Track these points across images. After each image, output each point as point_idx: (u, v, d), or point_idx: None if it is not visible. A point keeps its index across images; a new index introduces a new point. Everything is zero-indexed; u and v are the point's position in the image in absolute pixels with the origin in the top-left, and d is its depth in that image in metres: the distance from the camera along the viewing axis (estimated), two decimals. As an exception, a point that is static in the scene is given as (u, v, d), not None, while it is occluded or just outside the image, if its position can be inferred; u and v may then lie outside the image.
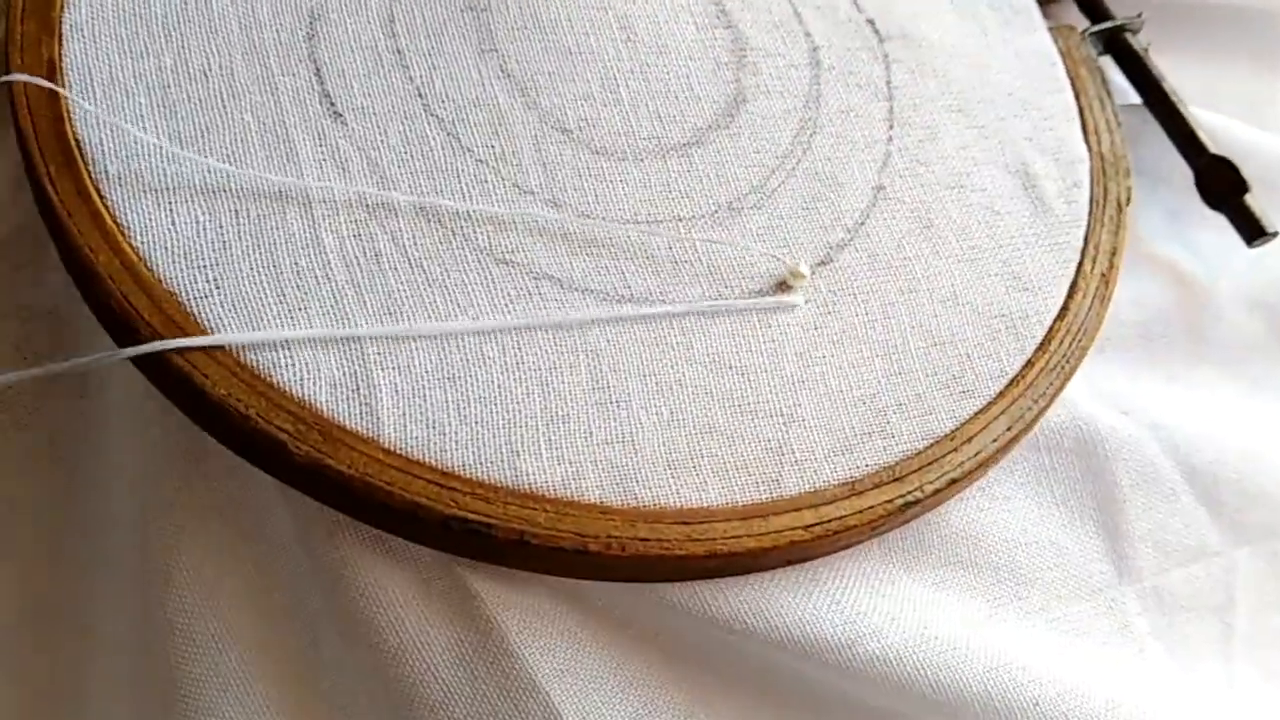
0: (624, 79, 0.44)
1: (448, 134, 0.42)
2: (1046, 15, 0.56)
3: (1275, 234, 0.51)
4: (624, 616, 0.40)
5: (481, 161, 0.42)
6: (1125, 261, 0.51)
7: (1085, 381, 0.47)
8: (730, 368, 0.41)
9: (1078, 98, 0.51)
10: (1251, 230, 0.51)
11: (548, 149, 0.42)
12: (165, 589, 0.39)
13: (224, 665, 0.40)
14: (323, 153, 0.40)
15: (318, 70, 0.42)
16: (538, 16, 0.45)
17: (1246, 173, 0.52)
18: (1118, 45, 0.56)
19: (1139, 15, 0.56)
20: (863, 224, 0.45)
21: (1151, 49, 0.56)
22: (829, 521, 0.39)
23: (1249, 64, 0.62)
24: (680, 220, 0.43)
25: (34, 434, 0.44)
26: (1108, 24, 0.56)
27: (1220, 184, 0.52)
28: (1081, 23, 0.56)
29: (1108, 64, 0.56)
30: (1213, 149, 0.53)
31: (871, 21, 0.49)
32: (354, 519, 0.38)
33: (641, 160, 0.43)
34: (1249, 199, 0.51)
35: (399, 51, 0.43)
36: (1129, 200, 0.49)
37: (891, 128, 0.47)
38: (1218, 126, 0.55)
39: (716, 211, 0.43)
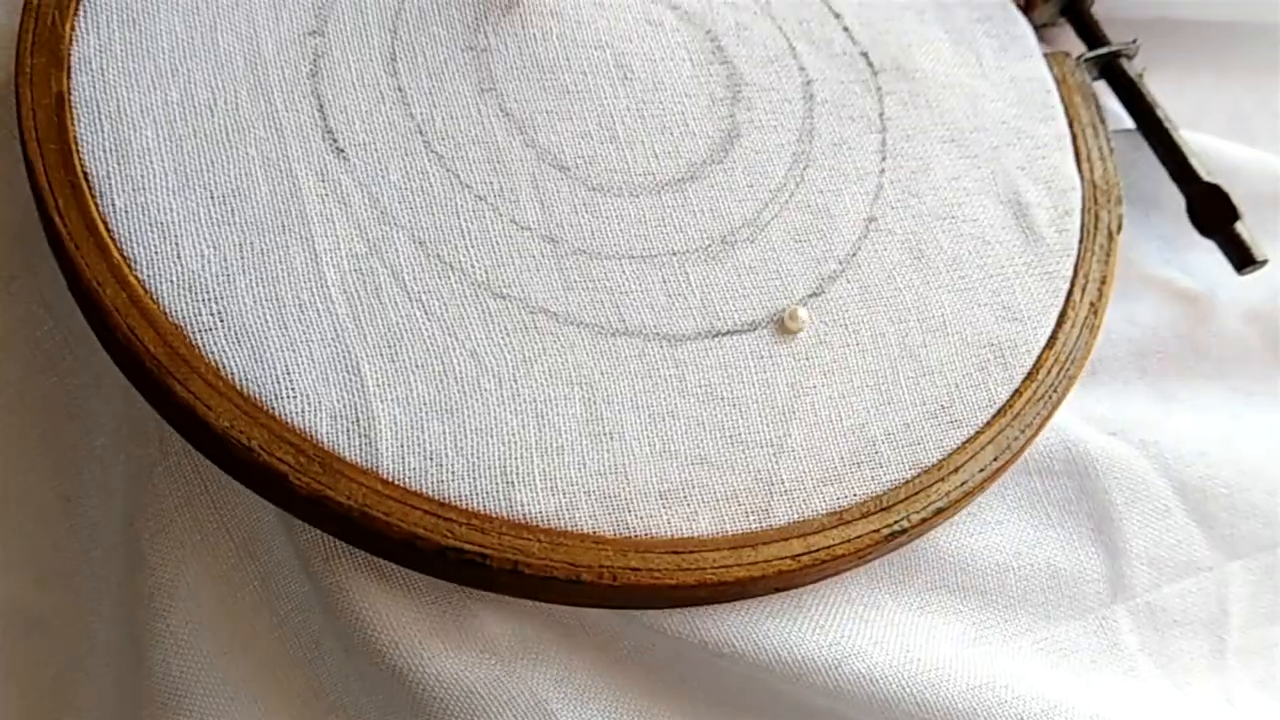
0: (620, 116, 0.45)
1: (447, 170, 0.43)
2: (1043, 39, 0.57)
3: (1265, 262, 0.51)
4: (614, 633, 0.41)
5: (480, 198, 0.42)
6: (1121, 284, 0.52)
7: (1076, 404, 0.47)
8: (722, 399, 0.41)
9: (1071, 125, 0.52)
10: (1242, 258, 0.52)
11: (545, 185, 0.43)
12: (170, 601, 0.40)
13: (233, 676, 0.41)
14: (325, 188, 0.41)
15: (321, 106, 0.43)
16: (536, 57, 0.45)
17: (1238, 193, 0.53)
18: (1113, 71, 0.56)
19: (1134, 41, 0.56)
20: (854, 255, 0.45)
21: (1146, 63, 0.57)
22: (816, 551, 0.40)
23: (1240, 77, 0.62)
24: (675, 254, 0.43)
25: (34, 444, 0.44)
26: (1103, 50, 0.56)
27: (1211, 212, 0.53)
28: (1077, 47, 0.57)
29: (1103, 89, 0.57)
30: (1205, 176, 0.53)
31: (865, 54, 0.50)
32: (353, 546, 0.39)
33: (637, 196, 0.44)
34: (1239, 226, 0.52)
35: (400, 89, 0.44)
36: (1120, 228, 0.50)
37: (884, 159, 0.48)
38: (1210, 148, 0.56)
39: (710, 245, 0.44)
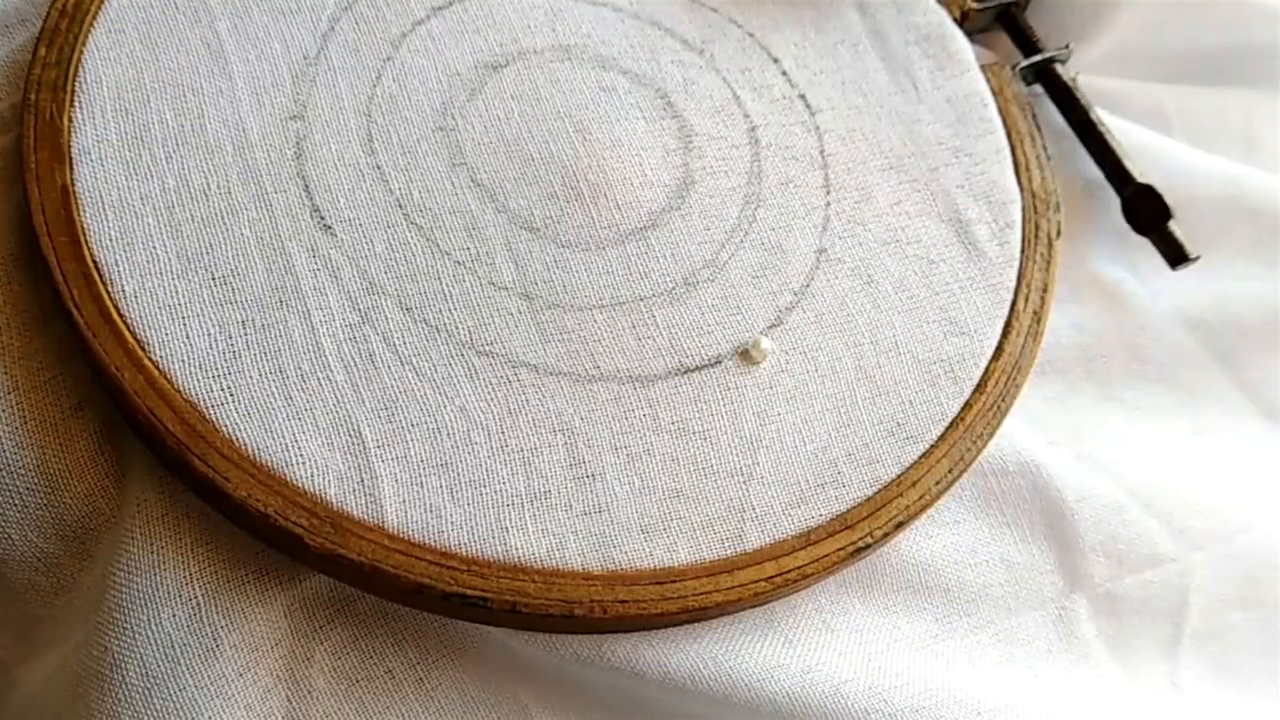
0: (583, 175, 0.48)
1: (427, 240, 0.46)
2: (984, 44, 0.60)
3: (1197, 258, 0.55)
4: (588, 657, 0.44)
5: (459, 263, 0.46)
6: (1067, 285, 0.55)
7: (1023, 413, 0.51)
8: (694, 433, 0.45)
9: (1009, 136, 0.55)
10: (1175, 256, 0.55)
11: (518, 247, 0.47)
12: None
13: None
14: (316, 263, 0.45)
15: (307, 186, 0.46)
16: (501, 132, 0.49)
17: (1176, 196, 0.56)
18: (1048, 77, 0.59)
19: (1066, 46, 0.59)
20: (808, 286, 0.49)
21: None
22: (788, 572, 0.44)
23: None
24: (642, 299, 0.47)
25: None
26: (1038, 57, 0.59)
27: (1146, 211, 0.56)
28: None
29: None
30: (1139, 177, 0.56)
31: (803, 96, 0.53)
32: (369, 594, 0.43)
33: (604, 248, 0.48)
34: (1172, 225, 0.55)
35: (379, 167, 0.47)
36: (1059, 234, 0.53)
37: (829, 193, 0.51)
38: (1158, 148, 0.59)
39: (674, 288, 0.48)
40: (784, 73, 0.54)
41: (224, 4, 0.49)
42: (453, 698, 0.44)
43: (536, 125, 0.49)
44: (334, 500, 0.41)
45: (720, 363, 0.47)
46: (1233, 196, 0.59)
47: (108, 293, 0.43)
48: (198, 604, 0.41)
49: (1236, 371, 0.57)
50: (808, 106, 0.53)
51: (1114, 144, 0.57)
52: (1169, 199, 0.55)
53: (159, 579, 0.42)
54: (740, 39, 0.54)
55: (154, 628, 0.41)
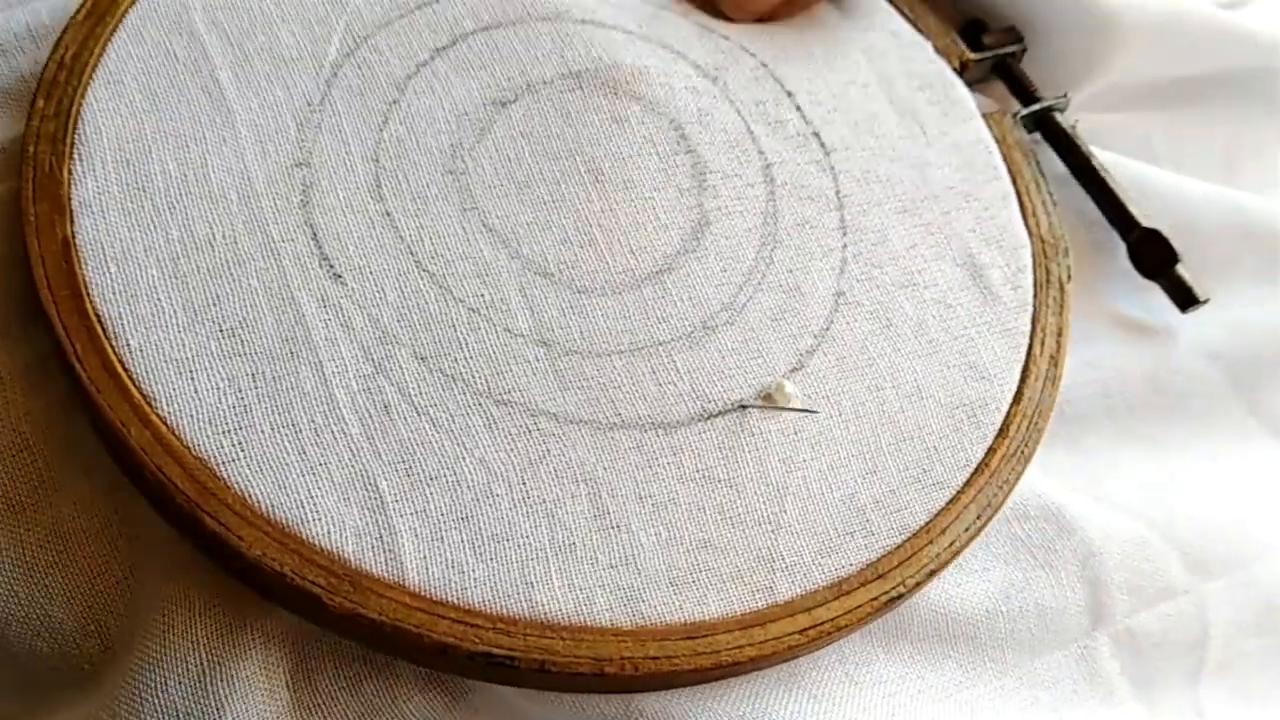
0: (595, 219, 0.48)
1: (440, 287, 0.45)
2: (984, 93, 0.60)
3: (1206, 301, 0.54)
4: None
5: (474, 310, 0.45)
6: (1084, 322, 0.54)
7: (1040, 459, 0.50)
8: (719, 481, 0.44)
9: (1014, 182, 0.55)
10: (1184, 299, 0.55)
11: (532, 293, 0.46)
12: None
13: None
14: (327, 313, 0.43)
15: (315, 235, 0.45)
16: (512, 175, 0.48)
17: (1177, 226, 0.56)
18: (1047, 125, 0.59)
19: (1064, 95, 0.59)
20: (828, 329, 0.48)
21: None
22: (822, 624, 0.42)
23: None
24: (660, 344, 0.46)
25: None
26: (1036, 106, 0.59)
27: (1152, 256, 0.56)
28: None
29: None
30: (1144, 221, 0.56)
31: (817, 134, 0.53)
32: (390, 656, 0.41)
33: (619, 293, 0.47)
34: (1180, 269, 0.55)
35: (388, 214, 0.46)
36: (1069, 278, 0.53)
37: (845, 234, 0.51)
38: (1155, 179, 0.59)
39: (693, 331, 0.47)
40: (798, 107, 0.53)
41: (224, 53, 0.48)
42: None
43: (547, 165, 0.48)
44: (352, 558, 0.40)
45: (745, 408, 0.45)
46: (1237, 224, 0.59)
47: (111, 347, 0.42)
48: (203, 671, 0.40)
49: (1251, 399, 0.57)
50: (822, 145, 0.53)
51: (1116, 188, 0.57)
52: (1172, 231, 0.55)
53: (165, 645, 0.40)
54: (754, 69, 0.54)
55: (160, 694, 0.40)
